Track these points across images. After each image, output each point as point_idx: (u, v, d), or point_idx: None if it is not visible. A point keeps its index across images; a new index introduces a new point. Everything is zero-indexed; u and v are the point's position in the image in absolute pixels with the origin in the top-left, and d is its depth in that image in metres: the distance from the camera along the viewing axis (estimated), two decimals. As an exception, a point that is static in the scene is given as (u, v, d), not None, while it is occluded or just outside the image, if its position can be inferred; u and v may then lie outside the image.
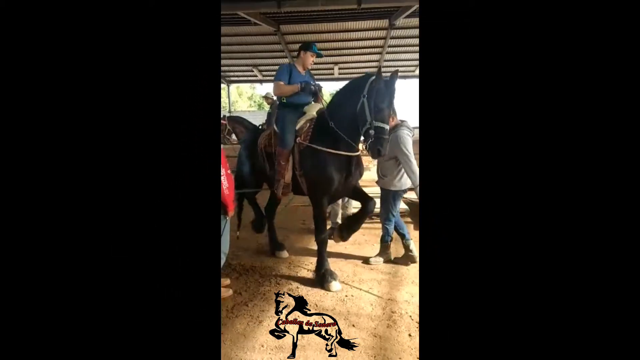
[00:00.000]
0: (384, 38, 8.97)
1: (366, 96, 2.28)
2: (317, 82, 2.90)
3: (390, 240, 3.03)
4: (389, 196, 2.88)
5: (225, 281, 2.61)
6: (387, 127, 2.28)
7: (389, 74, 2.34)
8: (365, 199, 2.68)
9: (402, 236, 3.01)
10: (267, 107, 3.15)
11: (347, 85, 2.53)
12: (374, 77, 2.29)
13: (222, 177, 2.22)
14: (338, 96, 2.57)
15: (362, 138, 2.41)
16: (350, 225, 2.71)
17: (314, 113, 2.71)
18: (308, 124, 2.63)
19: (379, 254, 3.05)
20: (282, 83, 2.72)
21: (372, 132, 2.25)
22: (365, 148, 2.40)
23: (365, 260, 3.03)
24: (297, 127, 2.67)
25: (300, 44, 2.93)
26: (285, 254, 3.20)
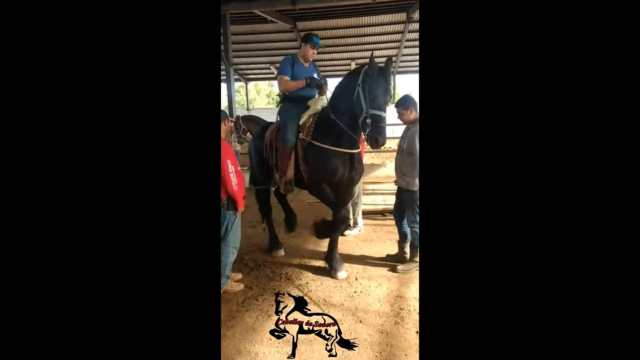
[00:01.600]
0: (402, 32, 8.84)
1: (361, 85, 2.29)
2: (322, 75, 2.88)
3: None
4: (413, 197, 2.67)
5: (236, 276, 2.67)
6: (384, 114, 2.27)
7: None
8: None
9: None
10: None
11: (345, 76, 2.53)
12: (367, 66, 2.29)
13: (231, 174, 2.27)
14: (338, 89, 2.56)
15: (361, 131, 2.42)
16: (326, 229, 2.76)
17: (318, 107, 2.70)
18: (311, 119, 2.62)
19: (409, 261, 2.84)
20: (286, 78, 2.71)
21: (368, 121, 2.24)
22: (365, 139, 2.39)
23: (393, 269, 2.80)
24: (301, 122, 2.67)
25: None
26: (281, 252, 3.17)
